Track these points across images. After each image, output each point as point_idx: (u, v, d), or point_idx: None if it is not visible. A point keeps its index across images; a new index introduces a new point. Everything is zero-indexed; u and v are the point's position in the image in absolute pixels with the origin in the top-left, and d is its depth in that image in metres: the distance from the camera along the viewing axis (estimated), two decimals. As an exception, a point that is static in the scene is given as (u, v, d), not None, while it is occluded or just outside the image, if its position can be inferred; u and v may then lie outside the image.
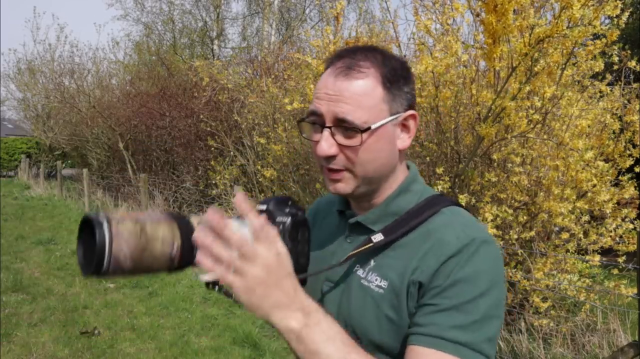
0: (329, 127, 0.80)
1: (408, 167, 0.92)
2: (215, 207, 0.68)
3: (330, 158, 0.82)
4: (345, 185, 0.83)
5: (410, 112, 0.85)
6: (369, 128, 0.79)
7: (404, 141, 0.86)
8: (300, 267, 0.82)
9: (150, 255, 0.66)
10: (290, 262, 0.72)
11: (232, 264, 0.68)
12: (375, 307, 0.82)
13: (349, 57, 0.83)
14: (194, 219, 0.72)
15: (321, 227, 0.99)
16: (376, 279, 0.83)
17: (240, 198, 0.69)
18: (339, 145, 0.81)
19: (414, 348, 0.75)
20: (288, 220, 0.81)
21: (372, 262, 0.85)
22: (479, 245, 0.78)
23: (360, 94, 0.80)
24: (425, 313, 0.76)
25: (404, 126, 0.85)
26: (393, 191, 0.88)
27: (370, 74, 0.81)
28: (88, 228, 0.66)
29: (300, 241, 0.83)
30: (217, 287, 0.75)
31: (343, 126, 0.80)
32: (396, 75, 0.83)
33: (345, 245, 0.91)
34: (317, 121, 0.82)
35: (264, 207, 0.83)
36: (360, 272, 0.85)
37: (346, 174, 0.83)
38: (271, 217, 0.81)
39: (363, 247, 0.84)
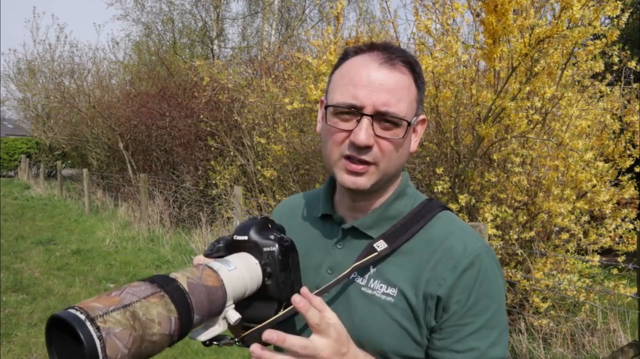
0: (370, 116, 0.77)
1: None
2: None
3: (364, 149, 0.78)
4: (367, 180, 0.80)
5: (423, 116, 0.86)
6: (410, 123, 0.79)
7: (414, 143, 0.86)
8: (294, 292, 0.78)
9: (150, 342, 0.57)
10: (344, 330, 0.72)
11: (307, 351, 0.67)
12: (385, 315, 0.80)
13: (387, 50, 0.80)
14: (180, 277, 0.65)
15: (298, 233, 0.93)
16: (381, 287, 0.81)
17: (256, 350, 0.67)
18: (376, 136, 0.78)
19: None
20: (276, 248, 0.76)
21: (371, 269, 0.82)
22: (486, 255, 0.81)
23: (402, 87, 0.78)
24: (460, 338, 0.78)
25: (415, 130, 0.86)
26: (390, 194, 0.87)
27: (406, 71, 0.80)
28: (65, 330, 0.52)
29: (292, 268, 0.79)
30: (216, 343, 0.72)
31: (384, 117, 0.77)
32: (421, 79, 0.84)
33: (334, 251, 0.87)
34: (356, 110, 0.78)
35: (244, 237, 0.77)
36: (359, 280, 0.83)
37: (372, 168, 0.80)
38: (257, 247, 0.77)
39: (368, 257, 0.80)
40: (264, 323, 0.75)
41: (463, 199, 3.41)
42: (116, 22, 54.09)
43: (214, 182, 7.34)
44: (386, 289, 0.80)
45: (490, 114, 3.33)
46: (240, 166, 7.13)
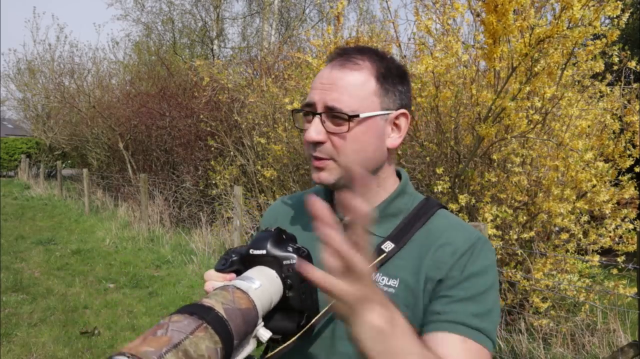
0: (319, 114, 0.82)
1: (398, 175, 0.94)
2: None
3: (317, 145, 0.83)
4: (329, 174, 0.84)
5: (402, 110, 0.87)
6: (357, 116, 0.81)
7: (394, 139, 0.87)
8: (316, 301, 0.79)
9: None
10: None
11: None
12: None
13: (347, 53, 0.86)
14: (216, 305, 0.63)
15: (296, 233, 0.94)
16: (383, 280, 0.83)
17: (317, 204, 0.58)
18: (328, 133, 0.82)
19: (436, 334, 0.77)
20: (294, 260, 0.76)
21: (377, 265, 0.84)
22: (484, 243, 0.85)
23: (352, 84, 0.82)
24: (444, 303, 0.79)
25: (395, 125, 0.87)
26: (391, 192, 0.90)
27: (364, 67, 0.83)
28: None
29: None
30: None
31: (332, 113, 0.81)
32: (390, 73, 0.85)
33: None
34: (309, 110, 0.84)
35: (262, 252, 0.76)
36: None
37: (330, 163, 0.83)
38: (276, 260, 0.76)
39: (379, 258, 0.83)
40: (289, 341, 0.76)
41: (463, 199, 3.41)
42: (116, 22, 54.13)
43: (214, 182, 7.34)
44: (388, 281, 0.83)
45: (490, 114, 3.33)
46: (240, 166, 7.13)
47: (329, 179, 0.84)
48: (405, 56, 3.94)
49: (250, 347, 0.69)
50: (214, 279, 0.77)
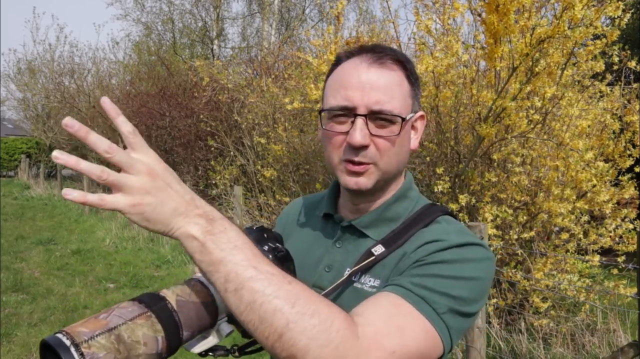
0: (364, 116, 0.78)
1: (404, 174, 0.92)
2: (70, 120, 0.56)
3: (361, 149, 0.79)
4: (368, 179, 0.81)
5: (421, 113, 0.86)
6: (404, 119, 0.79)
7: (414, 141, 0.86)
8: None
9: None
10: (161, 166, 0.63)
11: (107, 179, 0.60)
12: None
13: (375, 51, 0.82)
14: (170, 295, 0.65)
15: (302, 233, 0.97)
16: (369, 281, 0.82)
17: (107, 104, 0.60)
18: (372, 135, 0.78)
19: (379, 292, 0.73)
20: (270, 259, 0.74)
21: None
22: (478, 247, 0.78)
23: (394, 84, 0.79)
24: (402, 276, 0.75)
25: (413, 127, 0.86)
26: (390, 196, 0.87)
27: (397, 68, 0.81)
28: (52, 356, 0.55)
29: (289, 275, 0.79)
30: (212, 354, 0.72)
31: (378, 116, 0.78)
32: (414, 75, 0.84)
33: (333, 250, 0.88)
34: (345, 112, 0.79)
35: None
36: (353, 277, 0.83)
37: (372, 167, 0.80)
38: None
39: (366, 262, 0.80)
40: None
41: (463, 199, 3.41)
42: (116, 22, 54.16)
43: (214, 182, 7.34)
44: (373, 282, 0.81)
45: (490, 114, 3.33)
46: (240, 166, 7.13)
47: (368, 184, 0.81)
48: (405, 56, 3.94)
49: (212, 339, 0.71)
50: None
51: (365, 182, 0.81)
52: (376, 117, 0.78)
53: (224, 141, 7.28)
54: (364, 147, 0.78)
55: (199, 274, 0.74)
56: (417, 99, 0.85)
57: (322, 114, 0.83)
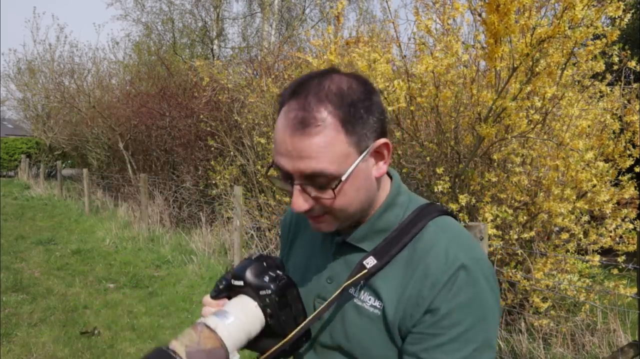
0: (299, 184, 0.77)
1: (390, 177, 0.89)
2: None
3: (308, 211, 0.79)
4: (328, 225, 0.82)
5: (381, 141, 0.80)
6: (340, 181, 0.76)
7: (379, 168, 0.82)
8: (300, 323, 0.81)
9: None
10: None
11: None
12: (373, 327, 0.82)
13: (301, 102, 0.75)
14: (179, 348, 0.68)
15: (305, 239, 0.97)
16: (369, 299, 0.82)
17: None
18: (314, 197, 0.78)
19: None
20: (272, 289, 0.78)
21: (362, 282, 0.83)
22: (472, 266, 0.78)
23: (322, 147, 0.74)
24: (427, 347, 0.76)
25: (378, 153, 0.81)
26: (377, 208, 0.86)
27: (327, 124, 0.74)
28: None
29: (292, 303, 0.81)
30: None
31: (313, 180, 0.76)
32: (357, 112, 0.76)
33: (332, 263, 0.89)
34: (284, 176, 0.79)
35: (240, 283, 0.79)
36: (352, 290, 0.84)
37: (327, 217, 0.81)
38: (254, 291, 0.79)
39: (358, 276, 0.81)
40: (267, 353, 0.80)
41: (463, 199, 3.41)
42: (116, 22, 54.17)
43: (214, 182, 7.34)
44: (374, 302, 0.81)
45: (490, 114, 3.33)
46: (240, 166, 7.13)
47: (329, 228, 0.83)
48: (405, 56, 3.94)
49: None
50: (209, 306, 0.83)
51: (327, 227, 0.82)
52: (311, 180, 0.76)
53: (224, 141, 7.28)
54: (308, 209, 0.79)
55: (204, 319, 0.76)
56: (368, 133, 0.78)
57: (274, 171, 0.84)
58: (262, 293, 0.78)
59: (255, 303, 0.79)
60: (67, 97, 13.27)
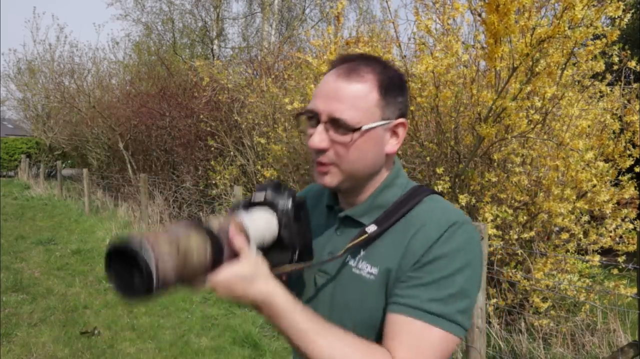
0: (324, 123, 0.86)
1: (393, 163, 0.98)
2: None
3: (320, 152, 0.88)
4: (331, 179, 0.89)
5: (401, 120, 0.91)
6: (359, 128, 0.85)
7: (392, 146, 0.92)
8: (308, 242, 0.91)
9: (191, 267, 0.71)
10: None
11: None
12: (370, 293, 0.88)
13: (351, 61, 0.89)
14: (213, 222, 0.78)
15: (312, 217, 1.04)
16: (366, 267, 0.89)
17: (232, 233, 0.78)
18: (331, 141, 0.87)
19: (394, 316, 0.83)
20: (289, 203, 0.88)
21: (362, 252, 0.90)
22: (458, 227, 0.86)
23: (355, 96, 0.85)
24: (406, 286, 0.83)
25: (394, 133, 0.91)
26: (378, 185, 0.94)
27: (368, 79, 0.87)
28: (126, 253, 0.66)
29: (303, 220, 0.90)
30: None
31: (336, 123, 0.85)
32: (392, 84, 0.89)
33: (335, 238, 0.96)
34: (313, 117, 0.88)
35: (261, 198, 0.89)
36: (351, 262, 0.91)
37: (333, 168, 0.89)
38: (272, 204, 0.89)
39: (360, 239, 0.89)
40: (282, 267, 0.88)
41: (463, 199, 3.41)
42: (116, 22, 54.13)
43: (214, 182, 7.34)
44: (370, 269, 0.88)
45: (490, 114, 3.33)
46: (240, 166, 7.13)
47: (332, 182, 0.90)
48: (405, 56, 3.94)
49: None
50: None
51: (329, 180, 0.90)
52: (336, 124, 0.86)
53: (224, 141, 7.28)
54: (323, 150, 0.87)
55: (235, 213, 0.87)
56: (395, 107, 0.90)
57: (302, 117, 0.92)
58: (280, 205, 0.87)
59: (272, 214, 0.88)
60: (67, 97, 13.27)
